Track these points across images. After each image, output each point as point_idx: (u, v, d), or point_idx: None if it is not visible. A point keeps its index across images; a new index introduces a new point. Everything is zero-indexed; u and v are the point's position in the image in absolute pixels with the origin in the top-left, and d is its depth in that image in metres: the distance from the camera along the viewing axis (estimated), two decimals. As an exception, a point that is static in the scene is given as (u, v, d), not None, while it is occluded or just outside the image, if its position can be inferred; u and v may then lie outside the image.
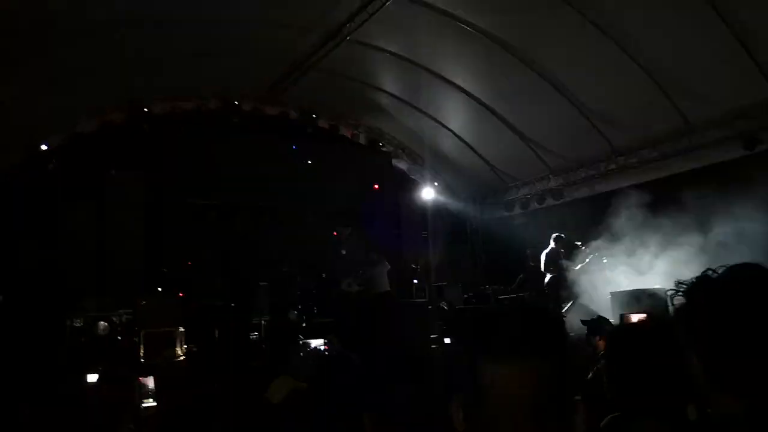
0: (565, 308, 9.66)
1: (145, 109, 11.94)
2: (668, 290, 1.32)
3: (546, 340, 1.08)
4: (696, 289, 1.28)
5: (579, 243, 10.79)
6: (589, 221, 10.89)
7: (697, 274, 1.30)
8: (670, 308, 1.32)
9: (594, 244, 10.36)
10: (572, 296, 10.27)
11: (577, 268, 10.79)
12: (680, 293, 1.30)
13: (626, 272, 9.69)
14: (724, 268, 1.26)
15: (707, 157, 10.39)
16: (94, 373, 3.58)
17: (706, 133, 10.28)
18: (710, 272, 1.27)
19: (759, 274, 1.22)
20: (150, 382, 3.45)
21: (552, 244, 11.23)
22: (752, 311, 1.16)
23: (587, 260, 10.58)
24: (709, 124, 10.17)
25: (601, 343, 4.84)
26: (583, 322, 5.91)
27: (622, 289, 9.14)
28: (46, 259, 9.35)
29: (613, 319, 8.79)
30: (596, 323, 5.65)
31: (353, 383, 2.48)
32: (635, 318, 6.97)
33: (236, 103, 13.02)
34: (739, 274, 1.24)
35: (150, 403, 3.29)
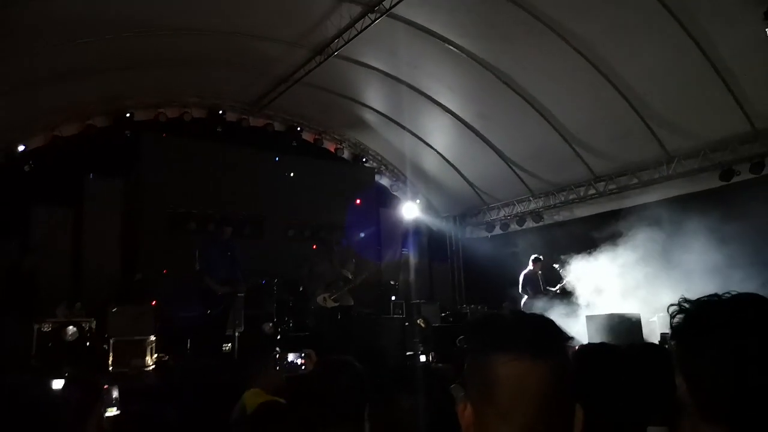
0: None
1: (128, 115, 11.85)
2: (670, 305, 1.22)
3: (552, 341, 1.11)
4: (702, 311, 1.18)
5: (556, 265, 10.85)
6: (568, 244, 10.97)
7: (702, 294, 1.21)
8: (668, 325, 1.23)
9: (572, 267, 10.41)
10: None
11: (554, 290, 10.87)
12: (682, 311, 1.20)
13: (602, 296, 9.75)
14: (730, 294, 1.18)
15: (685, 186, 10.59)
16: (59, 378, 3.49)
17: (684, 162, 10.47)
18: (717, 296, 1.19)
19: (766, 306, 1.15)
20: (115, 390, 3.37)
21: (530, 266, 11.28)
22: (756, 343, 1.10)
23: (564, 283, 10.64)
24: (688, 155, 10.36)
25: None
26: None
27: (597, 313, 9.18)
28: (18, 262, 9.15)
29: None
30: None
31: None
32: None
33: (221, 112, 12.99)
34: (748, 303, 1.17)
35: (114, 412, 3.21)
